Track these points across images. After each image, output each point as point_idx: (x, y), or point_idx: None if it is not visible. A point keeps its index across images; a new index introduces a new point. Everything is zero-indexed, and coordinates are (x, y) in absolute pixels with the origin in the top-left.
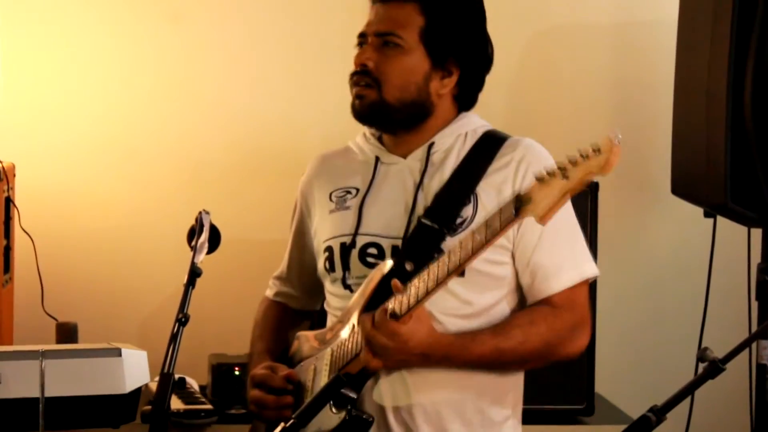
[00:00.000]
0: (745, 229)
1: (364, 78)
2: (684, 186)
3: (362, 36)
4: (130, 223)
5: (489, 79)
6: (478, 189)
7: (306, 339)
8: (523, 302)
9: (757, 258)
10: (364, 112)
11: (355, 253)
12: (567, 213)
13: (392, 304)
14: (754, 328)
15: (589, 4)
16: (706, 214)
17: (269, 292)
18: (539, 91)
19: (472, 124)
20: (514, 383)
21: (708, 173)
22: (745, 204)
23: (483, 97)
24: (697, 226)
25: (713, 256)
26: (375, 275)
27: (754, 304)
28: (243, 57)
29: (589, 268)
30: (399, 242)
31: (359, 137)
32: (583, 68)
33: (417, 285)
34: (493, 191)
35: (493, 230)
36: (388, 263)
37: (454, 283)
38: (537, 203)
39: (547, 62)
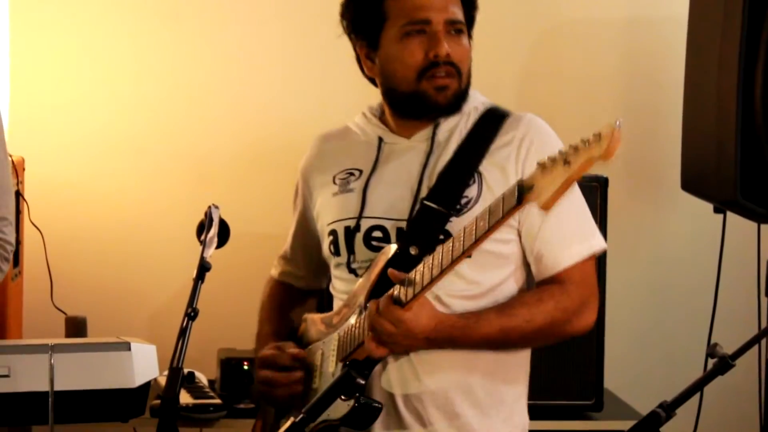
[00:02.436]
0: (755, 224)
1: (447, 68)
2: (694, 182)
3: (422, 22)
4: (140, 218)
5: (499, 73)
6: (482, 168)
7: (313, 322)
8: (530, 278)
9: (766, 253)
10: (447, 103)
11: (359, 236)
12: (572, 188)
13: (397, 291)
14: (764, 323)
15: (599, 0)
16: (716, 210)
17: (274, 272)
18: (549, 86)
19: (474, 101)
20: (523, 361)
21: (718, 169)
22: (755, 200)
23: (492, 91)
24: (706, 221)
25: (723, 252)
26: (380, 260)
27: (764, 300)
28: (250, 54)
29: (596, 242)
30: (404, 224)
31: (358, 117)
32: (593, 64)
33: (422, 271)
34: (497, 170)
35: (496, 217)
36: (393, 247)
37: (461, 264)
38: (540, 190)
39: (556, 58)
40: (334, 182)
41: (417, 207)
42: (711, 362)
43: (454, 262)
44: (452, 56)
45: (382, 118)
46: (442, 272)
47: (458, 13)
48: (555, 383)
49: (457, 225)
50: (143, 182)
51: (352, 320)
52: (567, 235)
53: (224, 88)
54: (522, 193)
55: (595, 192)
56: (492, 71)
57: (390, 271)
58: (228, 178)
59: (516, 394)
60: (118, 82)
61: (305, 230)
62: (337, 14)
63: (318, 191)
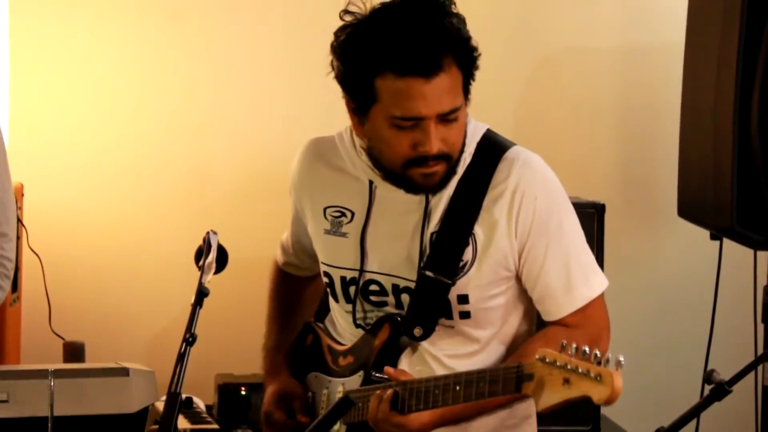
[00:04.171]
0: (751, 251)
1: (436, 160)
2: (691, 208)
3: (413, 119)
4: (138, 243)
5: (497, 100)
6: (476, 229)
7: (319, 343)
8: (525, 316)
9: (763, 280)
10: (434, 186)
11: (358, 289)
12: (571, 225)
13: (398, 391)
14: (760, 350)
15: (596, 27)
16: (713, 237)
17: (279, 259)
18: (546, 114)
19: (468, 145)
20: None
21: (714, 196)
22: (751, 227)
23: (490, 120)
24: (703, 248)
25: (719, 279)
26: (384, 327)
27: (760, 326)
28: (250, 81)
29: (598, 283)
30: (398, 281)
31: (347, 138)
32: (591, 91)
33: (422, 392)
34: (490, 230)
35: (493, 392)
36: (397, 320)
37: (462, 324)
38: (538, 388)
39: (555, 85)
40: (325, 216)
41: (417, 276)
42: (708, 388)
43: (450, 404)
44: (442, 148)
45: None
46: (434, 407)
47: (453, 101)
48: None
49: (453, 291)
50: (142, 208)
51: (356, 382)
52: (568, 279)
53: (224, 115)
54: (521, 381)
55: (592, 218)
56: (489, 100)
57: (387, 369)
58: (226, 204)
59: (522, 417)
60: (117, 109)
61: (301, 231)
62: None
63: (309, 214)
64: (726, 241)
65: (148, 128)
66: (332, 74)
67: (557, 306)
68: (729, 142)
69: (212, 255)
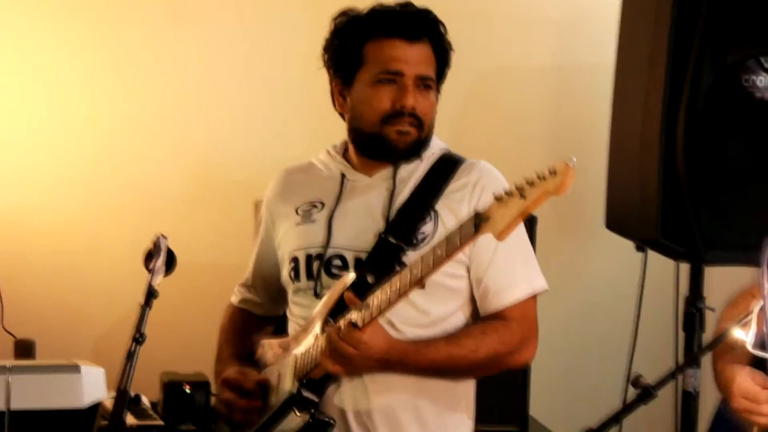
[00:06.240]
0: (673, 262)
1: (410, 119)
2: (618, 221)
3: (395, 74)
4: (89, 244)
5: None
6: (438, 207)
7: (270, 346)
8: (477, 312)
9: (684, 290)
10: (406, 148)
11: (321, 264)
12: (519, 230)
13: (354, 315)
14: (680, 357)
15: (529, 47)
16: (638, 248)
17: (234, 299)
18: (481, 128)
19: (433, 147)
20: (467, 390)
21: (641, 210)
22: (675, 239)
23: None
24: (628, 259)
25: (643, 288)
26: (338, 286)
27: (681, 334)
28: (199, 88)
29: (538, 283)
30: (363, 255)
31: (322, 154)
32: (524, 108)
33: (379, 296)
34: (451, 211)
35: (453, 246)
36: (351, 275)
37: (414, 294)
38: (495, 221)
39: (489, 101)
40: (297, 213)
41: (377, 240)
42: (631, 391)
43: (410, 287)
44: (417, 109)
45: (345, 155)
46: (399, 297)
47: (429, 71)
48: (481, 409)
49: (412, 258)
50: (93, 209)
51: (309, 342)
52: (512, 275)
53: (174, 120)
54: (479, 223)
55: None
56: None
57: (346, 294)
58: (174, 209)
59: (458, 420)
60: (68, 112)
61: (266, 259)
62: (293, 54)
63: (281, 221)
64: (650, 253)
65: (98, 130)
66: (283, 89)
67: (499, 297)
68: (655, 160)
69: (162, 258)
